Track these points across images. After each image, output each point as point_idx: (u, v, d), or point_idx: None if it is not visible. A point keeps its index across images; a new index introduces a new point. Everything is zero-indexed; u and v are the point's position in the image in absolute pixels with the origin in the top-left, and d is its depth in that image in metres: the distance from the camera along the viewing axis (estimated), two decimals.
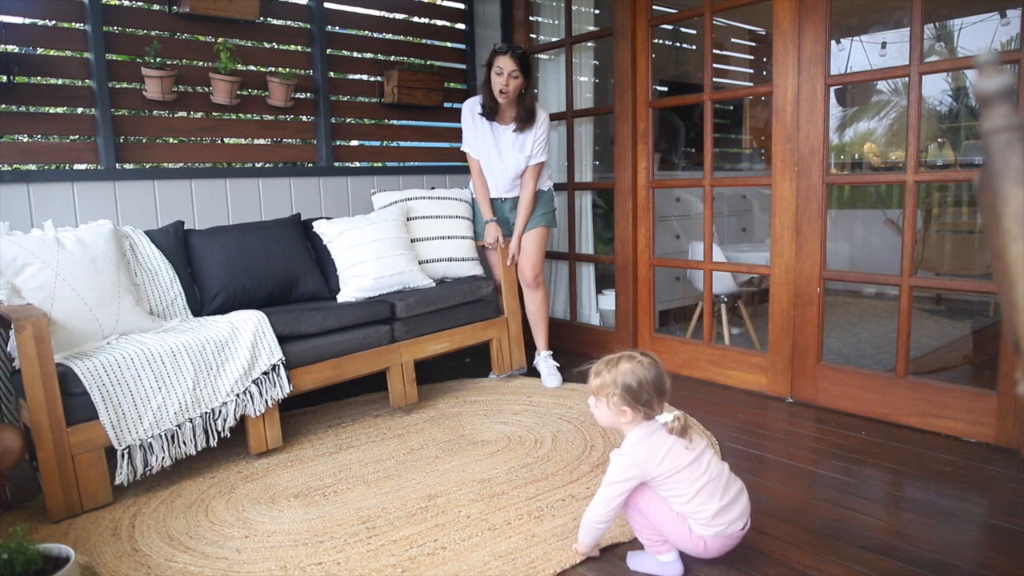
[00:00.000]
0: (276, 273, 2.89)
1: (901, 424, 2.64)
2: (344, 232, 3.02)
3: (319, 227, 3.07)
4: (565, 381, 3.30)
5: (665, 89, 5.32)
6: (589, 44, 3.95)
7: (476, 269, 3.33)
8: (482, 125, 3.24)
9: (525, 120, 3.15)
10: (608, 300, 3.93)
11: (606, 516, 1.68)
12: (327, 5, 3.51)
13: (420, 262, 3.18)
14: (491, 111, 3.17)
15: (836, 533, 1.87)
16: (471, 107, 3.25)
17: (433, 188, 3.72)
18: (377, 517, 2.01)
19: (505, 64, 3.04)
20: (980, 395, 2.46)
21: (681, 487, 1.62)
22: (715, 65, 3.98)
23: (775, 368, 3.00)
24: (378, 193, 3.38)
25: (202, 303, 2.76)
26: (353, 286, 2.94)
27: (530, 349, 3.45)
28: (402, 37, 3.85)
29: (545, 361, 3.33)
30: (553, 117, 3.95)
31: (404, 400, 2.89)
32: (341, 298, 2.94)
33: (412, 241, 3.20)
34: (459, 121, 4.16)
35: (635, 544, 1.83)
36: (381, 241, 3.03)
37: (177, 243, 2.78)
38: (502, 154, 3.23)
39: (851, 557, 1.74)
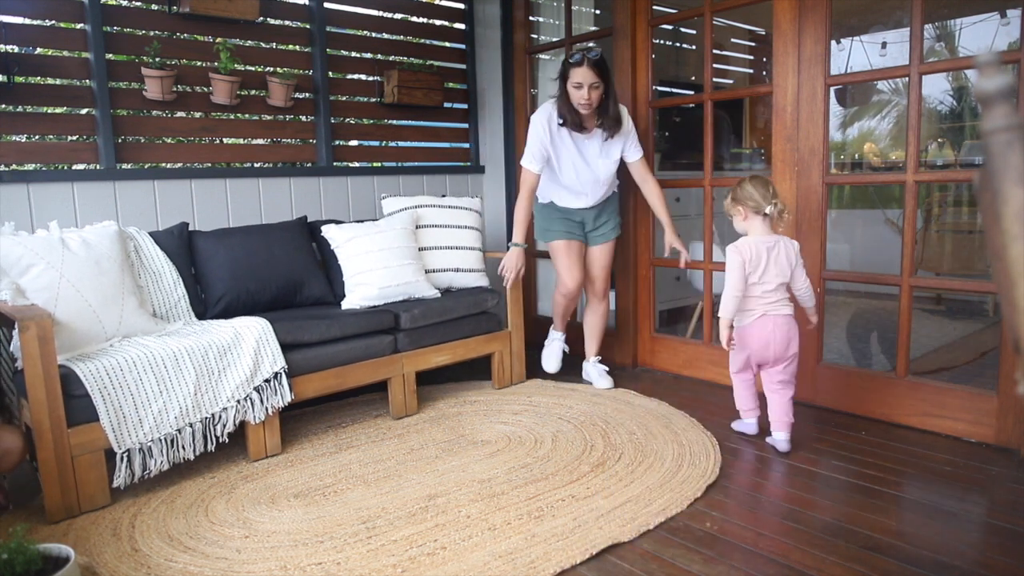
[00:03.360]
0: (280, 277, 2.89)
1: (901, 424, 2.64)
2: (352, 239, 3.02)
3: (327, 231, 3.07)
4: (564, 380, 3.30)
5: (665, 89, 5.32)
6: (589, 44, 3.95)
7: (482, 280, 3.32)
8: (561, 136, 2.97)
9: (613, 128, 2.94)
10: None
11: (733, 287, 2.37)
12: (327, 5, 3.51)
13: (426, 271, 3.17)
14: (574, 125, 2.91)
15: (836, 533, 1.87)
16: (546, 118, 2.94)
17: (444, 195, 3.73)
18: (377, 517, 2.01)
19: (583, 76, 2.76)
20: (980, 395, 2.46)
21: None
22: (715, 65, 3.98)
23: None
24: (388, 198, 3.38)
25: (206, 306, 2.76)
26: (358, 294, 2.94)
27: (530, 355, 3.45)
28: (402, 37, 3.85)
29: (595, 366, 3.29)
30: None
31: (404, 410, 2.89)
32: (345, 304, 2.93)
33: (420, 250, 3.19)
34: (459, 121, 4.18)
35: (636, 544, 1.84)
36: (389, 250, 3.02)
37: (181, 245, 2.78)
38: (589, 163, 3.01)
39: (851, 557, 1.74)
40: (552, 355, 3.37)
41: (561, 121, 2.91)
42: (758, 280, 2.36)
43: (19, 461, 1.99)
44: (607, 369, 3.31)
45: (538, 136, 2.95)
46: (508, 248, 3.05)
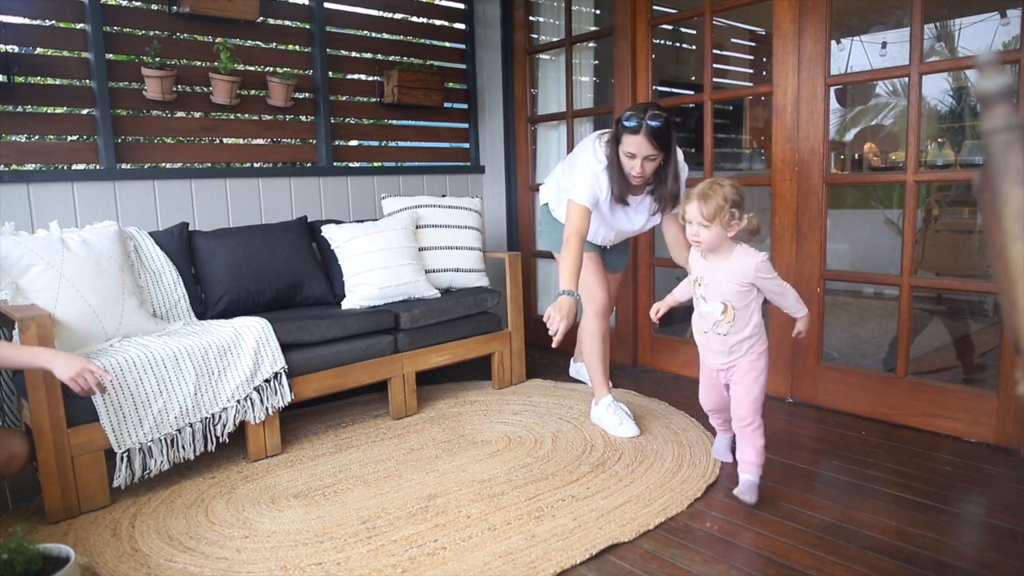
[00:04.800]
0: (281, 277, 2.89)
1: (901, 424, 2.64)
2: (353, 239, 3.02)
3: (328, 231, 3.07)
4: (564, 380, 3.29)
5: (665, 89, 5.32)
6: (589, 44, 3.95)
7: (482, 280, 3.32)
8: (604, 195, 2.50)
9: (667, 204, 2.49)
10: None
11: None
12: (327, 5, 3.51)
13: (426, 271, 3.16)
14: (622, 197, 2.47)
15: (836, 533, 1.86)
16: (596, 182, 2.44)
17: (444, 195, 3.73)
18: (377, 517, 2.01)
19: (638, 147, 2.29)
20: (980, 395, 2.46)
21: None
22: (715, 65, 3.98)
23: (775, 368, 3.00)
24: (388, 198, 3.38)
25: (206, 306, 2.76)
26: (359, 294, 2.94)
27: (530, 355, 3.43)
28: (402, 37, 3.85)
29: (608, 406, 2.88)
30: (553, 117, 3.96)
31: (404, 411, 2.89)
32: (345, 304, 2.93)
33: (420, 250, 3.19)
34: (459, 121, 4.18)
35: (636, 544, 1.84)
36: (389, 250, 3.02)
37: (181, 245, 2.78)
38: (631, 219, 2.61)
39: (851, 557, 1.74)
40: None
41: (612, 194, 2.46)
42: None
43: (24, 465, 1.98)
44: (627, 412, 2.74)
45: (589, 181, 2.45)
46: (557, 297, 2.32)
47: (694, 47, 5.80)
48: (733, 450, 2.25)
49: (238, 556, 1.83)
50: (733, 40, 6.02)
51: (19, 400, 2.26)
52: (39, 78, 2.78)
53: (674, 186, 2.47)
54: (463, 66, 4.13)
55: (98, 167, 2.92)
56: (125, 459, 2.13)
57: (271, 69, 3.32)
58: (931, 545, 1.79)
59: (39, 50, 2.79)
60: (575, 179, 2.50)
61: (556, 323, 2.22)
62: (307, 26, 3.47)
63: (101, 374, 1.86)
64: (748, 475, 2.06)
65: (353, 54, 3.66)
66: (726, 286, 2.04)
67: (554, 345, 2.23)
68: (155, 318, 2.55)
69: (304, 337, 2.60)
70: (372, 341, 2.79)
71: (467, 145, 4.21)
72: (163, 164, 3.17)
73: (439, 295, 3.11)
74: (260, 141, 3.44)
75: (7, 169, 2.73)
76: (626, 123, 2.29)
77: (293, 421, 2.85)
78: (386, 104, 3.74)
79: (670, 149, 2.36)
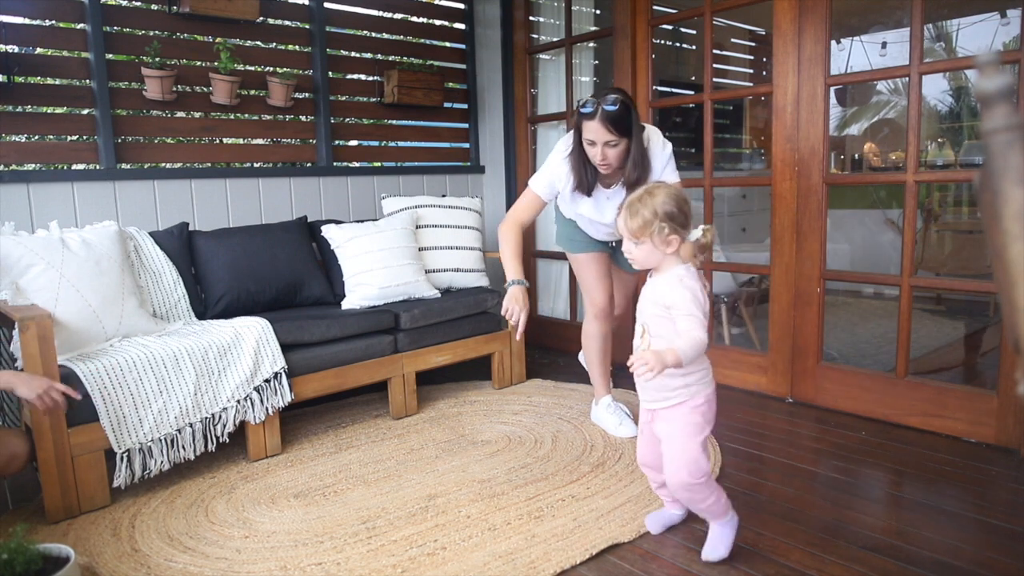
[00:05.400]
0: (281, 277, 2.89)
1: (901, 424, 2.64)
2: (353, 239, 3.02)
3: (328, 231, 3.07)
4: (564, 380, 3.29)
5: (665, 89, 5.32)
6: (589, 44, 3.95)
7: (482, 280, 3.32)
8: (572, 192, 2.44)
9: (636, 183, 2.22)
10: None
11: (704, 338, 1.60)
12: (327, 5, 3.51)
13: (426, 271, 3.16)
14: (588, 188, 2.38)
15: (836, 533, 1.86)
16: (554, 172, 2.40)
17: (444, 195, 3.73)
18: (377, 517, 2.01)
19: (596, 133, 2.18)
20: (980, 395, 2.46)
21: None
22: (715, 65, 3.97)
23: (775, 368, 3.00)
24: (388, 198, 3.38)
25: (206, 306, 2.76)
26: (359, 294, 2.94)
27: (530, 355, 3.44)
28: (402, 37, 3.85)
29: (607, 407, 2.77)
30: (553, 117, 3.96)
31: (404, 411, 2.89)
32: (345, 304, 2.93)
33: (420, 250, 3.19)
34: (459, 121, 4.18)
35: (636, 544, 1.84)
36: (389, 250, 3.02)
37: (181, 245, 2.78)
38: (603, 213, 2.47)
39: (851, 557, 1.74)
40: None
41: (575, 184, 2.38)
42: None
43: (24, 465, 1.98)
44: (627, 412, 2.70)
45: (547, 171, 2.42)
46: (506, 289, 2.34)
47: (694, 47, 5.80)
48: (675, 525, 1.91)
49: (238, 556, 1.83)
50: (733, 40, 6.02)
51: (19, 400, 2.26)
52: (39, 78, 2.78)
53: (635, 173, 2.27)
54: (463, 66, 4.13)
55: (98, 167, 2.92)
56: (125, 459, 2.13)
57: (271, 69, 3.32)
58: (931, 545, 1.79)
59: (39, 50, 2.79)
60: (541, 168, 2.48)
61: (516, 314, 2.24)
62: (307, 26, 3.47)
63: (65, 390, 1.88)
64: (710, 548, 1.74)
65: (353, 54, 3.66)
66: (647, 307, 1.72)
67: (517, 337, 2.26)
68: (155, 318, 2.55)
69: (304, 337, 2.60)
70: (372, 341, 2.79)
71: (467, 145, 4.21)
72: (163, 164, 3.17)
73: (439, 295, 3.11)
74: (260, 141, 3.44)
75: (7, 169, 2.73)
76: (583, 109, 2.20)
77: (293, 421, 2.85)
78: (386, 104, 3.74)
79: (631, 133, 2.23)
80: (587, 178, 2.35)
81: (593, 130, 2.19)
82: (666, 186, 1.69)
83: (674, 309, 1.62)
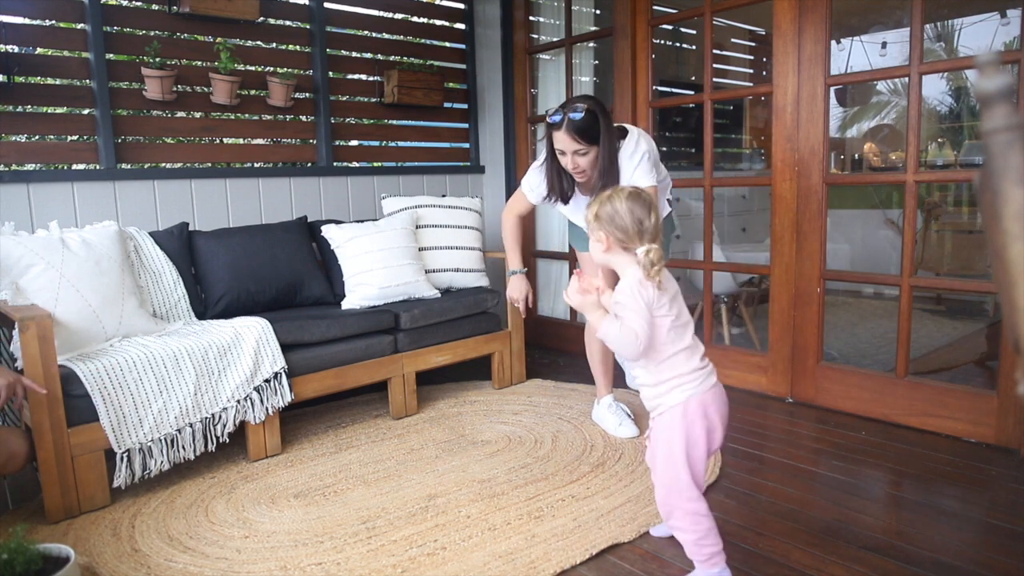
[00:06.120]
0: (281, 277, 2.89)
1: (901, 424, 2.64)
2: (353, 239, 3.02)
3: (328, 231, 3.07)
4: (564, 380, 3.29)
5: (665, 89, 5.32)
6: (589, 44, 3.95)
7: (482, 280, 3.32)
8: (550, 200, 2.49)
9: (602, 188, 2.16)
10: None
11: (636, 334, 1.50)
12: (327, 5, 3.51)
13: (426, 271, 3.16)
14: (562, 195, 2.39)
15: (836, 533, 1.86)
16: (535, 185, 2.46)
17: (444, 195, 3.73)
18: (377, 517, 2.01)
19: (563, 142, 2.19)
20: (980, 395, 2.46)
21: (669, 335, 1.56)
22: (715, 65, 3.98)
23: (775, 368, 3.00)
24: (388, 198, 3.38)
25: (206, 306, 2.76)
26: (359, 294, 2.94)
27: (530, 355, 3.44)
28: (402, 37, 3.85)
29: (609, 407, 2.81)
30: None
31: (404, 411, 2.89)
32: (345, 304, 2.93)
33: (420, 250, 3.19)
34: (459, 121, 4.18)
35: (636, 544, 1.84)
36: (389, 250, 3.02)
37: (181, 245, 2.78)
38: (580, 217, 2.48)
39: (851, 557, 1.74)
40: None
41: (546, 193, 2.42)
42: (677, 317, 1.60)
43: (24, 464, 1.98)
44: (628, 412, 2.72)
45: (528, 178, 2.49)
46: (508, 277, 2.62)
47: (694, 47, 5.80)
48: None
49: (238, 556, 1.83)
50: (733, 40, 6.02)
51: (19, 400, 2.25)
52: (39, 78, 2.78)
53: (601, 181, 2.23)
54: (463, 66, 4.13)
55: (98, 167, 2.92)
56: (125, 459, 2.13)
57: (271, 69, 3.32)
58: (931, 545, 1.79)
59: (39, 50, 2.79)
60: (527, 173, 2.53)
61: (519, 303, 2.60)
62: (307, 26, 3.47)
63: (30, 387, 1.91)
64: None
65: (353, 54, 3.66)
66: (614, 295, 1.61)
67: (523, 315, 2.68)
68: (155, 318, 2.55)
69: (304, 337, 2.60)
70: (372, 341, 2.79)
71: (467, 145, 4.21)
72: (163, 164, 3.17)
73: (439, 295, 3.11)
74: (260, 141, 3.44)
75: (7, 169, 2.73)
76: (550, 120, 2.19)
77: (293, 421, 2.85)
78: (386, 104, 3.74)
79: (598, 141, 2.19)
80: (561, 186, 2.37)
81: (561, 140, 2.18)
82: (628, 191, 1.58)
83: (621, 304, 1.54)
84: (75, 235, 2.39)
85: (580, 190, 2.41)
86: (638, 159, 2.28)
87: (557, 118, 2.17)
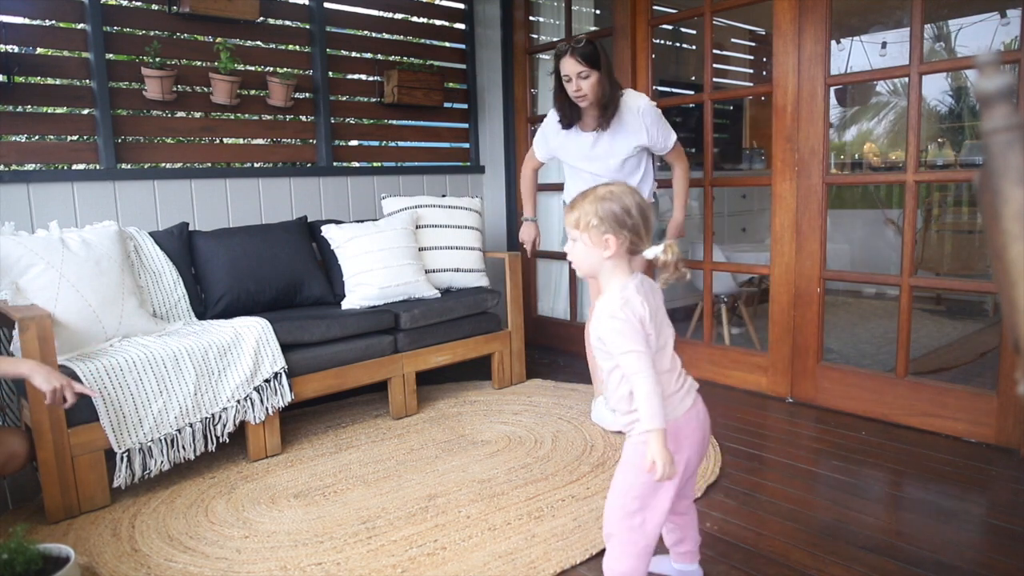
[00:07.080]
0: (281, 277, 2.89)
1: (901, 424, 2.64)
2: (353, 239, 3.02)
3: (328, 231, 3.07)
4: (564, 380, 3.29)
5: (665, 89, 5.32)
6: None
7: (482, 280, 3.32)
8: (559, 137, 2.72)
9: (603, 119, 2.57)
10: None
11: (652, 382, 1.31)
12: (327, 5, 3.51)
13: (426, 271, 3.16)
14: (570, 120, 2.67)
15: (836, 533, 1.86)
16: (550, 124, 2.75)
17: (444, 195, 3.73)
18: (377, 517, 2.01)
19: (569, 68, 2.51)
20: (980, 395, 2.46)
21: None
22: (715, 65, 3.98)
23: (775, 368, 3.00)
24: (388, 198, 3.38)
25: (206, 306, 2.76)
26: (358, 294, 2.94)
27: (530, 355, 3.44)
28: (402, 37, 3.85)
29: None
30: None
31: (404, 411, 2.90)
32: (345, 304, 2.93)
33: (420, 250, 3.19)
34: (459, 121, 4.18)
35: None
36: (389, 250, 3.02)
37: (181, 245, 2.78)
38: (589, 160, 2.68)
39: (851, 557, 1.74)
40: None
41: (559, 118, 2.68)
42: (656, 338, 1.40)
43: (24, 464, 1.98)
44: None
45: (541, 129, 2.79)
46: (521, 222, 2.97)
47: (694, 47, 5.79)
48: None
49: (238, 556, 1.83)
50: (733, 40, 6.02)
51: (19, 400, 2.26)
52: (39, 78, 2.78)
53: (606, 112, 2.55)
54: (463, 66, 4.13)
55: (98, 167, 2.92)
56: (125, 459, 2.13)
57: (271, 69, 3.32)
58: (931, 545, 1.79)
59: (39, 50, 2.79)
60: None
61: (527, 245, 2.94)
62: (307, 26, 3.47)
63: (82, 391, 1.86)
64: None
65: (353, 54, 3.66)
66: (592, 337, 1.44)
67: (530, 255, 2.98)
68: (155, 318, 2.55)
69: (304, 337, 2.60)
70: (372, 341, 2.79)
71: (467, 145, 4.21)
72: (163, 164, 3.17)
73: (439, 295, 3.11)
74: (260, 141, 3.44)
75: (7, 169, 2.73)
76: (558, 51, 2.57)
77: (293, 421, 2.85)
78: (386, 104, 3.74)
79: (599, 66, 2.53)
80: (567, 112, 2.66)
81: (567, 65, 2.53)
82: (623, 188, 1.42)
83: (608, 345, 1.36)
84: (75, 235, 2.39)
85: (581, 126, 2.67)
86: (653, 115, 2.59)
87: (565, 47, 2.55)
